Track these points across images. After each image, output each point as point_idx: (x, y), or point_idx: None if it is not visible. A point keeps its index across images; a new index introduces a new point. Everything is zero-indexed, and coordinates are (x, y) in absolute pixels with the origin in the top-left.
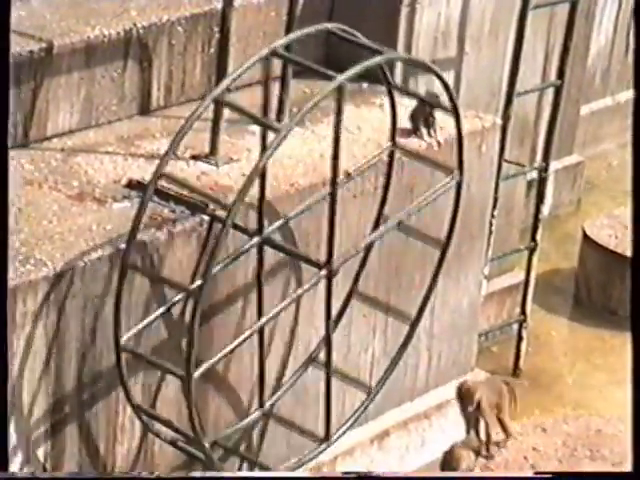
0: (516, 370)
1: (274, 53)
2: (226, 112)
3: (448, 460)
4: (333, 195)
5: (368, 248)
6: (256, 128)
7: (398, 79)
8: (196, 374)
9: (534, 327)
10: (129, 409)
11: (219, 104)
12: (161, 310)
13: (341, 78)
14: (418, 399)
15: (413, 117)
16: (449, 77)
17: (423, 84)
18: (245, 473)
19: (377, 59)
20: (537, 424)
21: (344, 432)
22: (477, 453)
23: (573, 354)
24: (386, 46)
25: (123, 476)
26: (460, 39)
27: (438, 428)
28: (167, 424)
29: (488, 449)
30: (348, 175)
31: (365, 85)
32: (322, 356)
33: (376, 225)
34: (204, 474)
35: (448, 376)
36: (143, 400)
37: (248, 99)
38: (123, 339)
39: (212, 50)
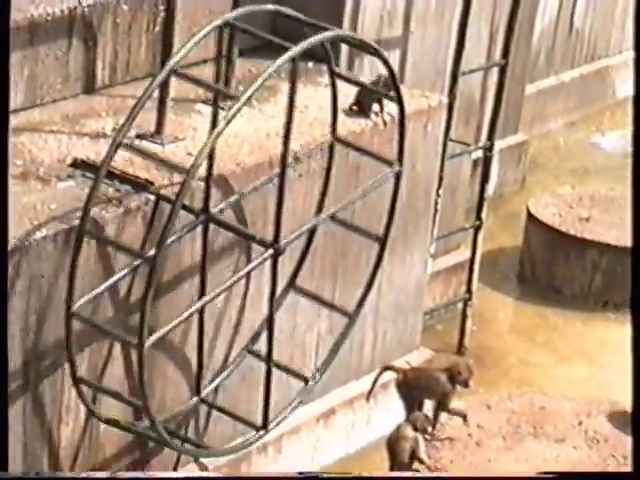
0: (461, 348)
1: (227, 24)
2: (171, 91)
3: (393, 439)
4: (282, 175)
5: (313, 229)
6: (202, 107)
7: (344, 59)
8: (148, 343)
9: (479, 305)
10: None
11: (165, 83)
12: (116, 277)
13: (296, 49)
14: (364, 377)
15: (360, 97)
16: (395, 56)
17: (369, 64)
18: (242, 473)
19: (328, 33)
20: (481, 401)
21: (281, 421)
22: (423, 431)
23: (517, 332)
24: (332, 25)
25: (123, 476)
26: (406, 18)
27: (383, 406)
28: (114, 395)
29: (434, 427)
30: (296, 159)
31: (311, 64)
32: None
33: (320, 205)
34: (205, 474)
35: (393, 355)
36: (89, 377)
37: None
38: (74, 307)
39: (157, 29)
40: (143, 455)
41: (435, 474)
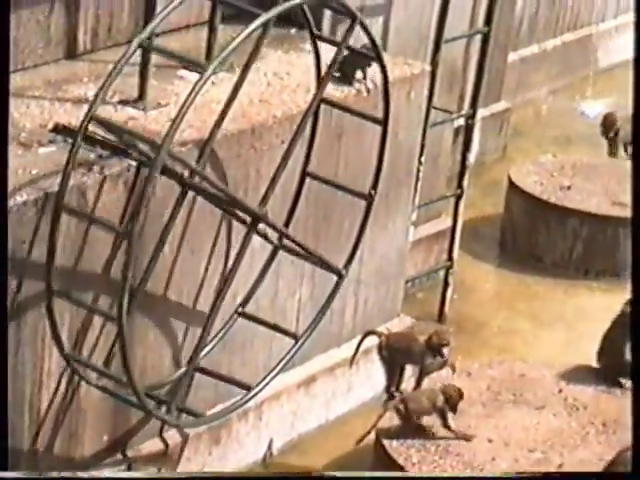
0: (441, 316)
1: None
2: (155, 57)
3: (418, 395)
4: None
5: (297, 195)
6: (185, 73)
7: (326, 26)
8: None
9: (460, 273)
10: (55, 354)
11: (146, 50)
12: None
13: (267, 15)
14: (345, 345)
15: (343, 64)
16: (378, 23)
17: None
18: (243, 472)
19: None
20: (462, 369)
21: (270, 381)
22: (453, 406)
23: (498, 300)
24: None
25: (123, 476)
26: None
27: (365, 374)
28: (100, 372)
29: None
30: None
31: (293, 31)
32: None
33: (303, 172)
34: (205, 474)
35: (374, 322)
36: (69, 345)
37: (177, 43)
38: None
39: None
40: (124, 421)
41: (438, 474)
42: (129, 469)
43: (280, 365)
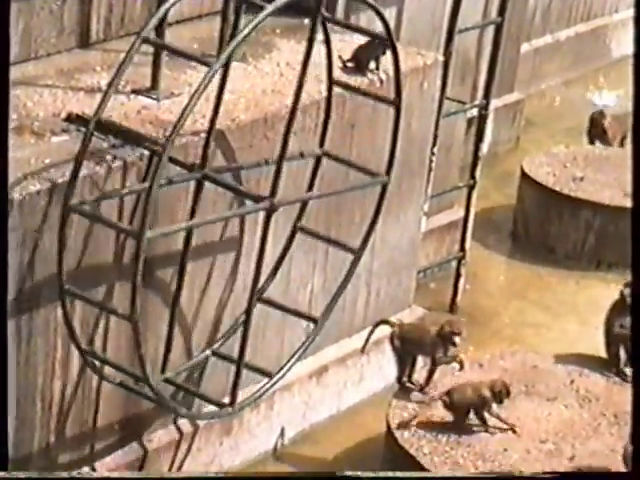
0: (453, 307)
1: None
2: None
3: (464, 389)
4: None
5: (310, 187)
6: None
7: (339, 17)
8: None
9: (472, 264)
10: (67, 343)
11: (158, 38)
12: None
13: (271, 7)
14: (356, 335)
15: (357, 54)
16: (391, 13)
17: (365, 23)
18: (244, 472)
19: None
20: (474, 360)
21: (291, 367)
22: (500, 399)
23: (510, 291)
24: None
25: (123, 476)
26: None
27: (376, 364)
28: (117, 367)
29: (427, 384)
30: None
31: (306, 21)
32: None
33: (317, 164)
34: (205, 474)
35: (386, 313)
36: (82, 337)
37: (190, 32)
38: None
39: None
40: (136, 411)
41: (446, 474)
42: (143, 459)
43: (300, 351)
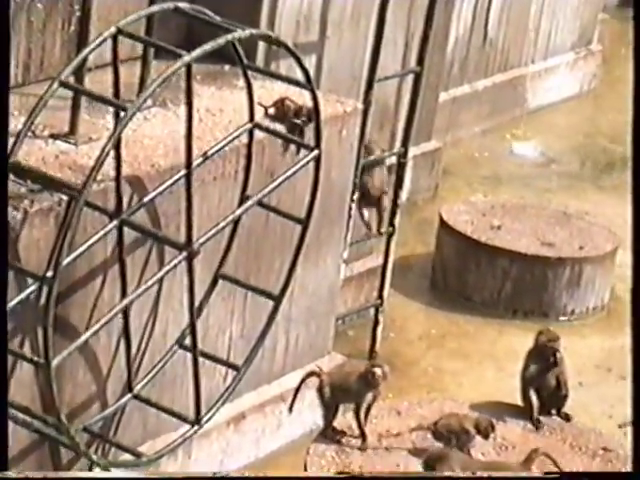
0: (372, 354)
1: (120, 32)
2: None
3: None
4: (189, 175)
5: (233, 230)
6: None
7: (260, 62)
8: (55, 362)
9: (391, 311)
10: None
11: (77, 83)
12: (15, 301)
13: (188, 57)
14: (275, 382)
15: (281, 105)
16: (311, 61)
17: (284, 69)
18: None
19: (227, 36)
20: (392, 407)
21: (214, 413)
22: (485, 435)
23: (428, 338)
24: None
25: (123, 476)
26: (322, 23)
27: (295, 411)
28: (28, 412)
29: (364, 431)
30: (204, 155)
31: (227, 67)
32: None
33: (242, 196)
34: (205, 474)
35: (305, 359)
36: None
37: (111, 77)
38: None
39: (72, 28)
40: (49, 459)
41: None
42: None
43: (223, 398)
